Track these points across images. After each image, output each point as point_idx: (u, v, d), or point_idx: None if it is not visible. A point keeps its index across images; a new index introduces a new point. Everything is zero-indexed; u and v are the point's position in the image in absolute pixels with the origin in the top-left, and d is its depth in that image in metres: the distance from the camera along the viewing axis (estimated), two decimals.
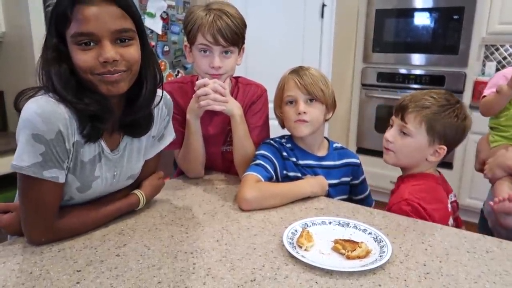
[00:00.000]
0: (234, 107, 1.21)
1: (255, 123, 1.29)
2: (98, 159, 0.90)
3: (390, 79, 3.00)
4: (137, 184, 1.04)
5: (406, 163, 1.17)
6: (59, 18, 0.79)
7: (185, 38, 1.25)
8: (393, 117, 1.17)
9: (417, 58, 2.90)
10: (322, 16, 2.91)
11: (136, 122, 0.93)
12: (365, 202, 1.30)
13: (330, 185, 1.22)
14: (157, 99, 0.96)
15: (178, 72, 2.61)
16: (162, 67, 2.51)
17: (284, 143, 1.24)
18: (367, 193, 1.33)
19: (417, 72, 2.90)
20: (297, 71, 1.19)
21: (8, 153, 1.88)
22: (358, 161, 1.31)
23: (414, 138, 1.11)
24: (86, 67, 0.79)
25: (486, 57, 3.05)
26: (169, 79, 2.56)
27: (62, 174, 0.83)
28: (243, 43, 1.24)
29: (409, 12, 2.86)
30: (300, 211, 1.06)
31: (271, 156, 1.19)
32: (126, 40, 0.82)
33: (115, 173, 0.95)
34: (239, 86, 1.33)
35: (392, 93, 2.98)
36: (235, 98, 1.28)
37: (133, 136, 0.96)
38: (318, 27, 2.93)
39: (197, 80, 1.22)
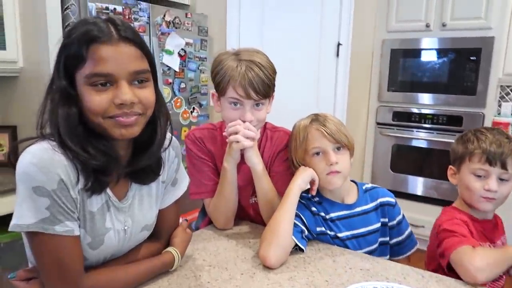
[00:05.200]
0: (256, 159, 1.15)
1: (282, 172, 1.22)
2: (106, 208, 0.83)
3: (406, 118, 2.96)
4: (155, 238, 0.96)
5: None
6: (71, 58, 0.73)
7: (213, 87, 1.19)
8: (485, 167, 1.07)
9: (433, 98, 2.87)
10: (337, 55, 2.90)
11: (145, 168, 0.87)
12: (405, 245, 1.20)
13: (369, 233, 1.15)
14: (166, 142, 0.90)
15: (194, 109, 2.57)
16: (178, 104, 2.47)
17: (311, 197, 1.17)
18: (406, 233, 1.21)
19: (434, 111, 2.87)
20: (318, 120, 1.14)
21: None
22: (393, 200, 1.21)
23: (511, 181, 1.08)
24: (100, 109, 0.74)
25: (502, 97, 3.03)
26: (185, 115, 2.52)
27: (75, 225, 0.76)
28: (274, 91, 1.18)
29: (426, 53, 2.86)
30: (344, 272, 0.98)
31: (301, 214, 1.11)
32: (143, 82, 0.78)
33: (126, 225, 0.86)
34: (267, 133, 1.27)
35: (408, 132, 2.94)
36: (264, 146, 1.23)
37: (141, 183, 0.89)
38: (333, 66, 2.92)
39: None
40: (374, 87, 3.09)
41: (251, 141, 1.10)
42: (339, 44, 2.89)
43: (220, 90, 1.13)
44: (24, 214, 0.71)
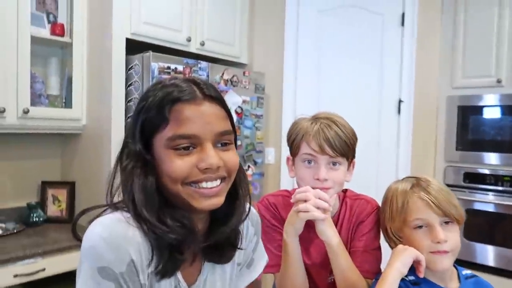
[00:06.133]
0: (330, 232, 0.99)
1: (363, 248, 1.06)
2: None
3: (479, 180, 2.69)
4: None
5: None
6: (151, 120, 0.67)
7: (288, 151, 1.12)
8: None
9: (510, 158, 2.60)
10: (398, 112, 2.76)
11: (222, 244, 0.75)
12: None
13: None
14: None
15: (249, 166, 2.49)
16: None
17: (405, 277, 0.96)
18: None
19: (510, 173, 2.59)
20: (420, 185, 0.97)
21: (75, 248, 1.78)
22: None
23: None
24: (182, 175, 0.66)
25: None
26: None
27: None
28: (354, 156, 1.08)
29: (497, 109, 2.64)
30: None
31: None
32: (227, 144, 0.70)
33: None
34: (346, 201, 1.13)
35: (483, 195, 2.65)
36: (343, 217, 1.09)
37: (217, 262, 0.77)
38: (395, 124, 2.77)
39: None
40: (440, 146, 2.87)
41: (322, 212, 0.97)
42: (400, 101, 2.76)
43: (294, 149, 1.06)
44: None
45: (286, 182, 2.60)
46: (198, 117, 0.66)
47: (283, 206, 1.12)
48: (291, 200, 1.02)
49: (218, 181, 0.68)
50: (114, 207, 0.68)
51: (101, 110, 2.02)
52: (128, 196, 0.67)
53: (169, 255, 0.67)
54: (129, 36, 2.01)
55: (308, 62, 2.72)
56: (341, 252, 1.00)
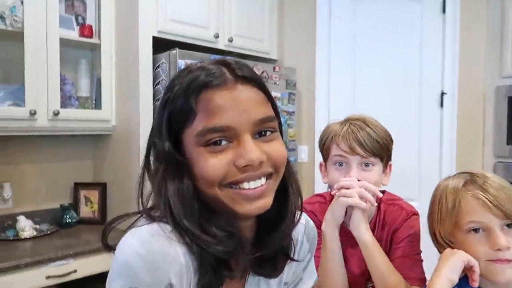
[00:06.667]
0: (363, 227, 0.92)
1: (401, 254, 0.98)
2: None
3: None
4: None
5: None
6: (176, 114, 0.57)
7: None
8: None
9: None
10: (441, 105, 2.57)
11: (273, 254, 0.64)
12: None
13: None
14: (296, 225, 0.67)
15: None
16: None
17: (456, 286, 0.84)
18: None
19: None
20: (475, 181, 0.83)
21: (106, 250, 1.75)
22: None
23: None
24: (217, 176, 0.55)
25: None
26: None
27: None
28: (389, 158, 1.01)
29: None
30: None
31: None
32: (268, 133, 0.58)
33: None
34: (381, 207, 1.04)
35: None
36: (376, 224, 1.02)
37: (267, 275, 0.65)
38: (437, 118, 2.58)
39: None
40: (489, 141, 2.65)
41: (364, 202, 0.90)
42: (442, 93, 2.57)
43: (325, 153, 1.02)
44: None
45: (321, 181, 2.48)
46: (231, 105, 0.55)
47: (320, 213, 1.05)
48: (335, 186, 0.97)
49: (263, 179, 0.57)
50: (149, 216, 0.58)
51: (130, 110, 2.00)
52: (164, 205, 0.56)
53: (213, 270, 0.56)
54: (156, 34, 1.98)
55: (342, 55, 2.59)
56: (376, 250, 0.92)
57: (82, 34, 2.03)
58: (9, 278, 1.57)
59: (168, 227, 0.55)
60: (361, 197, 0.90)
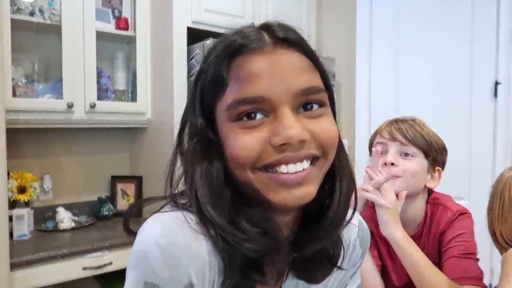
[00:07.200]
0: (391, 226, 0.87)
1: (450, 255, 0.90)
2: None
3: None
4: None
5: None
6: (208, 85, 0.50)
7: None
8: None
9: None
10: (495, 95, 2.37)
11: (316, 257, 0.54)
12: None
13: None
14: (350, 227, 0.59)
15: None
16: None
17: None
18: None
19: None
20: None
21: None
22: None
23: None
24: (249, 156, 0.46)
25: None
26: None
27: None
28: (436, 161, 0.96)
29: None
30: None
31: None
32: (314, 106, 0.48)
33: None
34: (428, 209, 0.99)
35: None
36: (427, 224, 0.95)
37: (308, 280, 0.56)
38: (491, 109, 2.39)
39: None
40: None
41: (384, 200, 0.88)
42: (497, 83, 2.37)
43: (369, 147, 1.03)
44: None
45: (361, 178, 2.36)
46: (267, 71, 0.46)
47: (369, 218, 0.97)
48: (362, 175, 0.95)
49: (305, 163, 0.48)
50: (175, 202, 0.51)
51: (165, 102, 1.98)
52: (190, 189, 0.50)
53: (241, 272, 0.48)
54: (190, 25, 1.94)
55: (384, 41, 2.44)
56: (408, 245, 0.87)
57: (118, 26, 2.03)
58: (47, 268, 1.59)
59: (193, 217, 0.48)
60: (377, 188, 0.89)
